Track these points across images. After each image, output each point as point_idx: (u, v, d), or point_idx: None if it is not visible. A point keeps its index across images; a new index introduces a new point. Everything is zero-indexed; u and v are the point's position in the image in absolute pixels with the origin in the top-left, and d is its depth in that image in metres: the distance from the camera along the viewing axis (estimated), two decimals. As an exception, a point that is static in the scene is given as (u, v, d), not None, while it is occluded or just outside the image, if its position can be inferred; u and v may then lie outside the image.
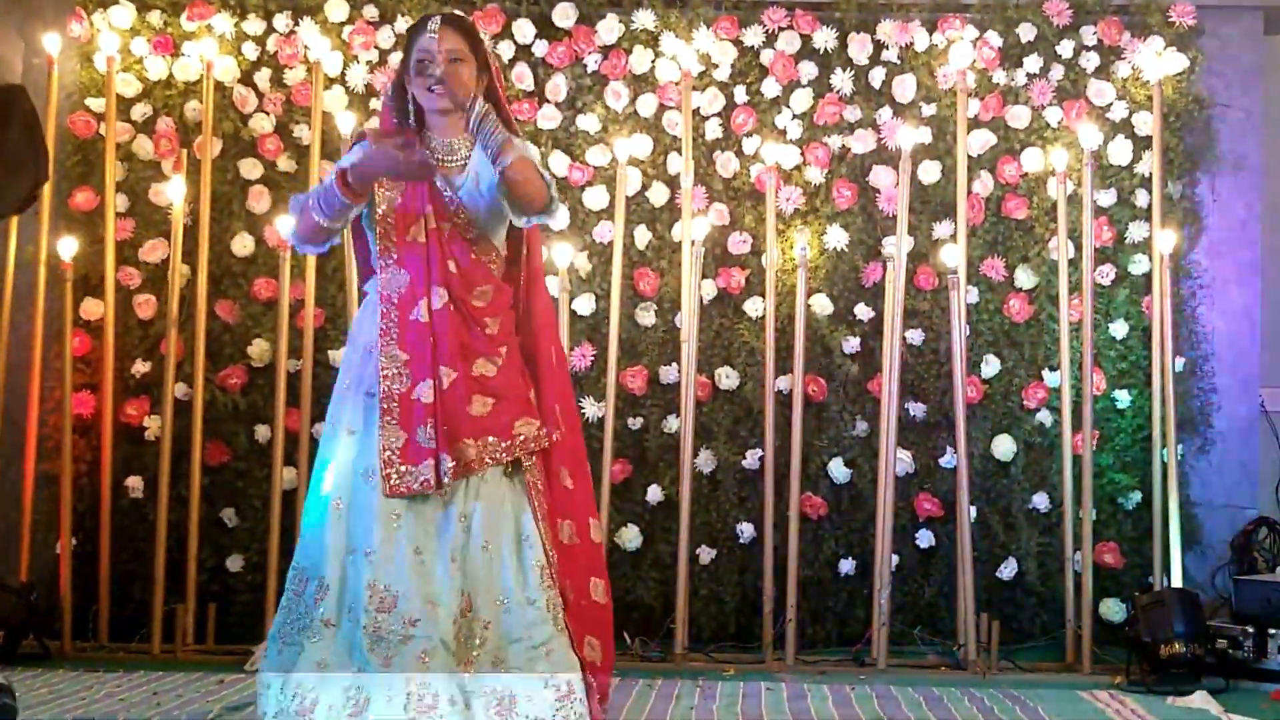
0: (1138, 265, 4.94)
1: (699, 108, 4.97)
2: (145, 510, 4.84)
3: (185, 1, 5.00)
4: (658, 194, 4.96)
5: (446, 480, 2.97)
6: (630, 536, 4.85)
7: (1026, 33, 4.97)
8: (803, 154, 4.96)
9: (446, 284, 3.07)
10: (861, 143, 4.96)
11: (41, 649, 4.53)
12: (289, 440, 4.77)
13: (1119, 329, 4.92)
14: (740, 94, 4.99)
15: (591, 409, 4.83)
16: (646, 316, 4.95)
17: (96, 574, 4.73)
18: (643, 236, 4.95)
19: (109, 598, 4.74)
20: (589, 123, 4.99)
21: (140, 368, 4.91)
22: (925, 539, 4.86)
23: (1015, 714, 3.89)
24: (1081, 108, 4.93)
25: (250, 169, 4.98)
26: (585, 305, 4.93)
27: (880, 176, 4.93)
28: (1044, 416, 4.90)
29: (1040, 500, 4.87)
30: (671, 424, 4.88)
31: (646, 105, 4.97)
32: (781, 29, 4.99)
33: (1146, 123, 4.92)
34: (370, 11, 5.01)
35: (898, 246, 4.76)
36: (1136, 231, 4.93)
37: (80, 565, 4.74)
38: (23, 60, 4.97)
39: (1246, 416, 4.98)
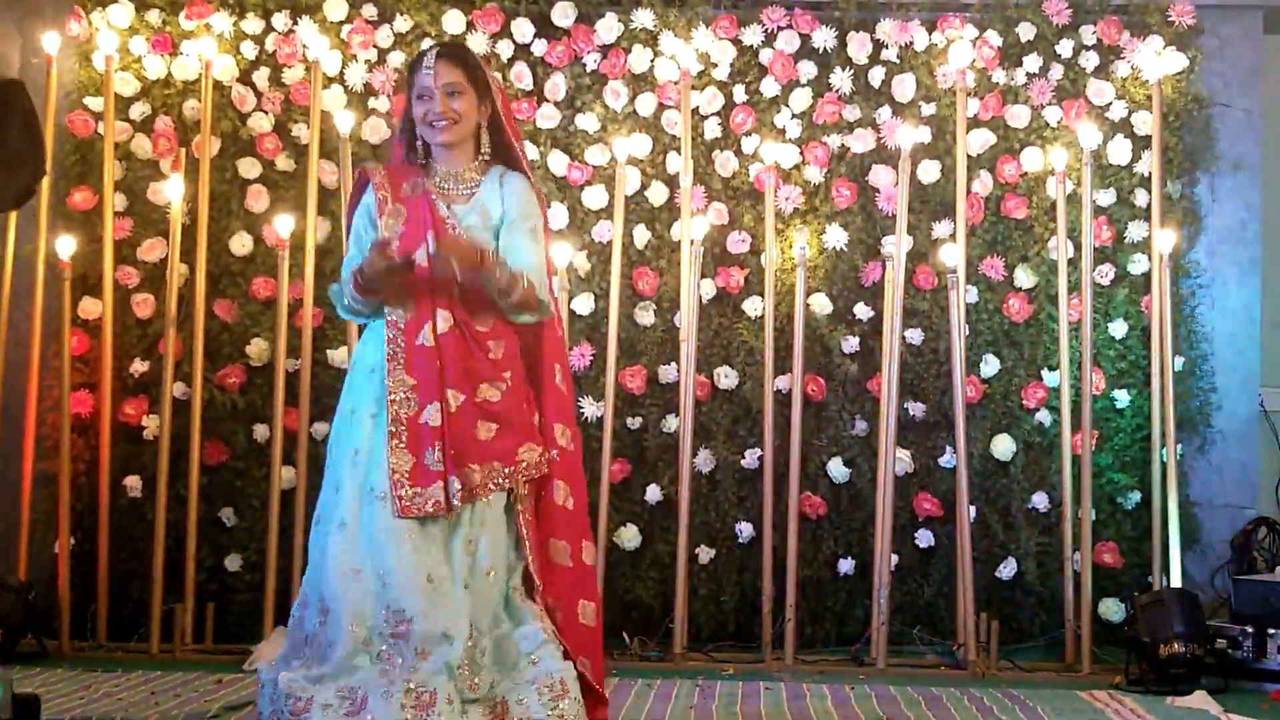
0: (1137, 265, 4.93)
1: (698, 107, 4.96)
2: (144, 509, 4.83)
3: (184, 1, 5.00)
4: (657, 193, 4.96)
5: (456, 503, 3.01)
6: (629, 536, 4.84)
7: (1026, 32, 4.96)
8: (802, 153, 4.96)
9: (450, 308, 3.10)
10: (861, 142, 4.95)
11: (40, 648, 4.53)
12: (287, 440, 4.77)
13: (1118, 329, 4.91)
14: (739, 93, 4.98)
15: (590, 408, 4.82)
16: (645, 316, 4.95)
17: (95, 573, 4.73)
18: (642, 236, 4.95)
19: (107, 597, 4.74)
20: (588, 122, 4.98)
21: (139, 367, 4.90)
22: (924, 539, 4.86)
23: (1014, 714, 3.89)
24: (1081, 107, 4.93)
25: (249, 168, 4.98)
26: (584, 305, 4.93)
27: (879, 176, 4.93)
28: (1043, 416, 4.89)
29: (1039, 500, 4.87)
30: (670, 423, 4.88)
31: (645, 104, 4.97)
32: (780, 28, 4.98)
33: (1146, 122, 4.91)
34: (369, 10, 5.00)
35: (897, 246, 4.76)
36: (1136, 231, 4.93)
37: (79, 564, 4.74)
38: (21, 59, 4.96)
39: (1246, 416, 4.98)
